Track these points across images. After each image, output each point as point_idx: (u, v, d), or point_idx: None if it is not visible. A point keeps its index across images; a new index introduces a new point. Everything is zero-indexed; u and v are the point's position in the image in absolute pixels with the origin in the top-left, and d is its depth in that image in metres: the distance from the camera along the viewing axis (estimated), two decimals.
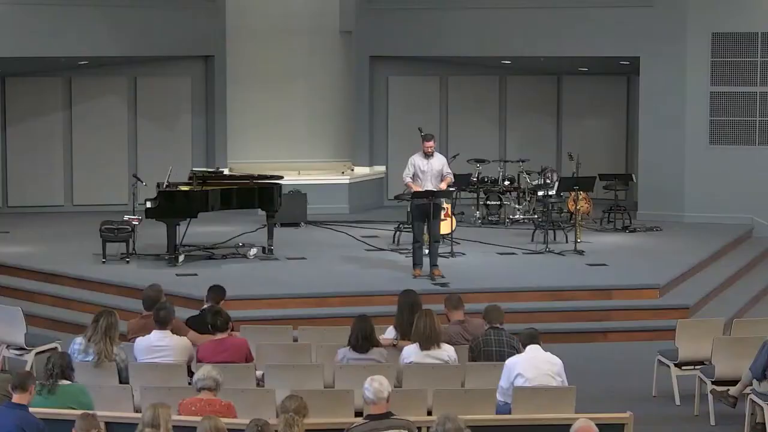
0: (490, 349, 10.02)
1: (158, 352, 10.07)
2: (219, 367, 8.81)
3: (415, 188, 14.89)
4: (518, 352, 9.76)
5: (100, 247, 15.81)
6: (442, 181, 14.95)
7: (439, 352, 9.89)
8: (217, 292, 11.20)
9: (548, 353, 9.51)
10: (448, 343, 10.23)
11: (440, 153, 15.29)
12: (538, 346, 9.48)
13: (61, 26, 18.89)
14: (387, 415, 8.06)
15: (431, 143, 15.03)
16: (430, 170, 14.94)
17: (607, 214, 18.92)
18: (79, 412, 8.17)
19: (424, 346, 9.85)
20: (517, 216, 19.04)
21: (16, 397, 8.22)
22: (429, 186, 14.86)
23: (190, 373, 9.68)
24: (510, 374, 9.33)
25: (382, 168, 21.75)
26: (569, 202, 18.34)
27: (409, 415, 8.35)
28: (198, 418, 8.25)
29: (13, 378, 8.42)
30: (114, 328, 9.96)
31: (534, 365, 9.35)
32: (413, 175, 14.97)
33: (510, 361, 9.42)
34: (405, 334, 10.44)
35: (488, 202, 19.19)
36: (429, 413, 9.10)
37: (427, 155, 14.99)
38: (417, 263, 14.99)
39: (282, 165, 20.67)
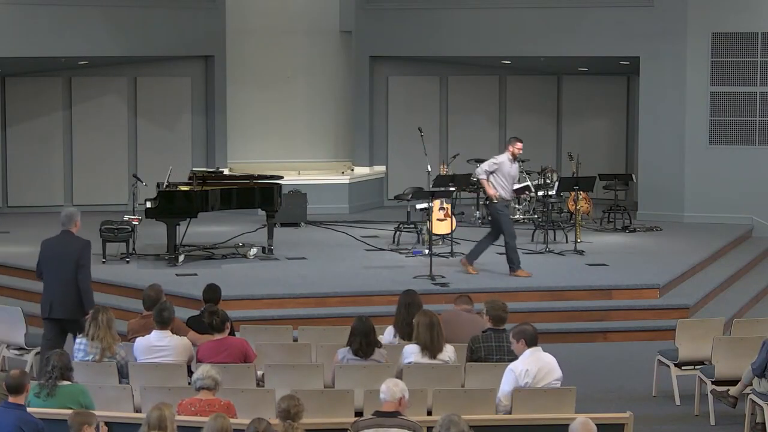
0: (490, 355, 9.96)
1: (158, 352, 10.07)
2: (218, 367, 8.81)
3: (490, 190, 14.78)
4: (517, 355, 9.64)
5: (100, 247, 15.80)
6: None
7: (440, 354, 9.88)
8: (211, 292, 11.15)
9: (548, 356, 9.41)
10: (453, 333, 10.30)
11: (441, 153, 15.31)
12: (539, 348, 9.40)
13: (61, 26, 18.90)
14: (395, 414, 8.08)
15: (522, 145, 14.96)
16: (514, 174, 15.01)
17: (607, 214, 18.93)
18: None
19: (430, 355, 9.82)
20: (517, 216, 19.04)
21: (13, 398, 8.19)
22: (509, 190, 14.89)
23: (190, 373, 9.68)
24: (517, 382, 9.21)
25: (382, 168, 21.76)
26: (569, 202, 18.35)
27: (409, 415, 8.35)
28: (197, 418, 8.27)
29: (5, 378, 8.34)
30: (113, 321, 9.99)
31: (541, 377, 9.24)
32: (490, 173, 14.82)
33: (517, 370, 9.22)
34: (403, 333, 10.44)
35: (488, 202, 19.16)
36: (429, 413, 9.10)
37: (515, 158, 14.90)
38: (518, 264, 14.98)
39: (282, 165, 20.69)
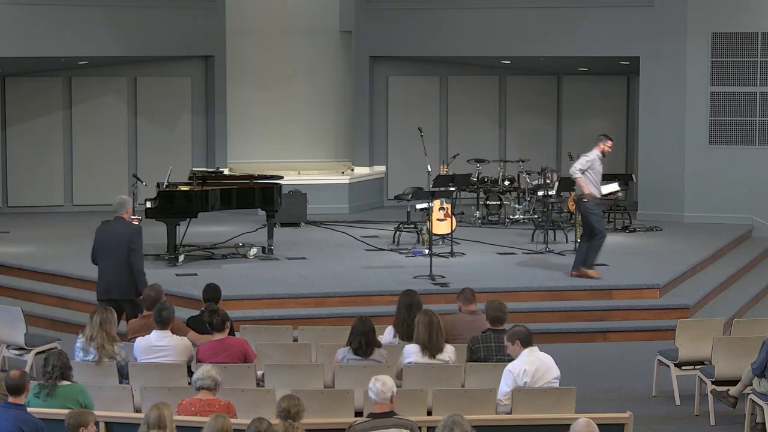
0: (490, 356, 9.96)
1: (158, 352, 10.08)
2: (218, 367, 8.81)
3: (587, 188, 14.65)
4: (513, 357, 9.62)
5: None
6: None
7: (440, 354, 9.88)
8: (211, 292, 11.17)
9: (545, 355, 9.44)
10: (454, 336, 10.28)
11: (441, 153, 15.23)
12: (535, 348, 9.41)
13: (61, 26, 18.91)
14: (390, 414, 8.07)
15: (611, 143, 14.95)
16: (601, 172, 14.90)
17: (607, 214, 18.91)
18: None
19: (431, 354, 9.82)
20: (517, 216, 19.04)
21: (13, 398, 8.19)
22: (599, 188, 14.84)
23: (191, 373, 9.68)
24: (516, 382, 9.23)
25: (382, 168, 21.76)
26: (569, 202, 18.34)
27: (409, 415, 8.35)
28: (197, 418, 8.27)
29: (5, 379, 8.33)
30: (109, 322, 9.95)
31: (539, 376, 9.26)
32: (584, 172, 14.71)
33: (516, 370, 9.25)
34: (403, 334, 10.44)
35: (488, 202, 19.19)
36: (429, 413, 9.10)
37: (604, 156, 14.85)
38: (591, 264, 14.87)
39: (282, 165, 20.70)
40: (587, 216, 14.86)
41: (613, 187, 15.93)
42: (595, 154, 14.83)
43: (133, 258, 11.93)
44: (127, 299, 11.92)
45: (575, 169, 14.79)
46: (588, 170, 14.75)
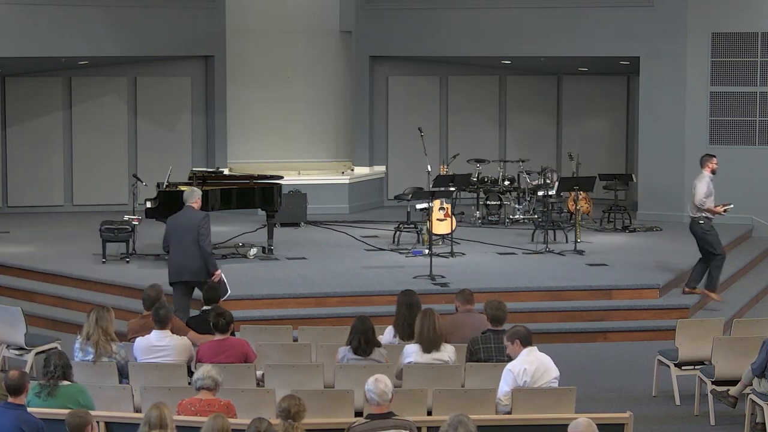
0: (490, 357, 9.95)
1: (158, 352, 10.08)
2: (218, 367, 8.81)
3: (718, 208, 14.40)
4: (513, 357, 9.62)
5: (100, 247, 15.82)
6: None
7: (440, 354, 9.88)
8: (212, 292, 11.20)
9: (544, 355, 9.44)
10: (454, 336, 10.28)
11: (441, 153, 15.20)
12: (535, 348, 9.41)
13: (61, 26, 18.91)
14: (388, 415, 8.06)
15: (716, 159, 14.66)
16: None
17: (607, 214, 18.92)
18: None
19: (426, 348, 9.83)
20: (517, 216, 19.04)
21: (13, 398, 8.19)
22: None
23: (191, 373, 9.68)
24: (516, 381, 9.23)
25: (382, 168, 21.76)
26: (569, 202, 18.35)
27: (409, 415, 8.35)
28: (197, 418, 8.27)
29: (5, 379, 8.33)
30: (105, 320, 9.93)
31: (539, 376, 9.26)
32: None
33: (516, 370, 9.25)
34: (403, 334, 10.44)
35: (488, 202, 19.18)
36: (429, 413, 9.10)
37: (714, 174, 14.59)
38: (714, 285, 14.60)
39: (282, 165, 20.69)
40: (705, 237, 14.53)
41: (730, 205, 15.66)
42: (707, 176, 14.58)
43: (202, 242, 12.76)
44: (198, 281, 12.62)
45: (701, 199, 14.35)
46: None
